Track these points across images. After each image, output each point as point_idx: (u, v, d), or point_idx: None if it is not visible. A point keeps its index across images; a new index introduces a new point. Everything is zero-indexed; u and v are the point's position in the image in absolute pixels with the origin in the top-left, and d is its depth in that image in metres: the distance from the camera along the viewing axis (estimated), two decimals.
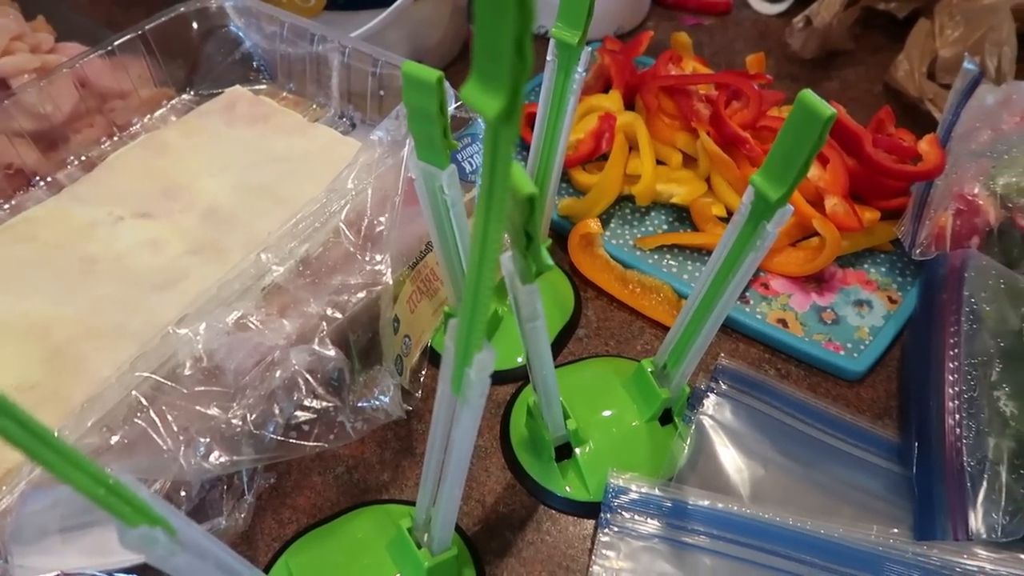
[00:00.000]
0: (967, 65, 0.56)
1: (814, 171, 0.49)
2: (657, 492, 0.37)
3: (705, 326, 0.35)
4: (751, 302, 0.47)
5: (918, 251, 0.47)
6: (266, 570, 0.35)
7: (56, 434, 0.19)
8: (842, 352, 0.45)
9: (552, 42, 0.39)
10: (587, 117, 0.55)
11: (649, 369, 0.40)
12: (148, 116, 0.54)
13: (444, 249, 0.36)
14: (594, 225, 0.48)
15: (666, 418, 0.41)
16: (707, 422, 0.41)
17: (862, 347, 0.45)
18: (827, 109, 0.27)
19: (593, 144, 0.52)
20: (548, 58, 0.39)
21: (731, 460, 0.39)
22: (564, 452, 0.39)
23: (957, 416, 0.38)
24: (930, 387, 0.40)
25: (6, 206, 0.48)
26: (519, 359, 0.44)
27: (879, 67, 0.68)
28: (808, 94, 0.28)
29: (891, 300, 0.48)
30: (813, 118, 0.27)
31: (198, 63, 0.55)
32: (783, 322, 0.46)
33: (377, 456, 0.41)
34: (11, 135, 0.46)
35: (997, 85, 0.55)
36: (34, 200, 0.47)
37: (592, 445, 0.40)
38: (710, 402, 0.42)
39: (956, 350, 0.40)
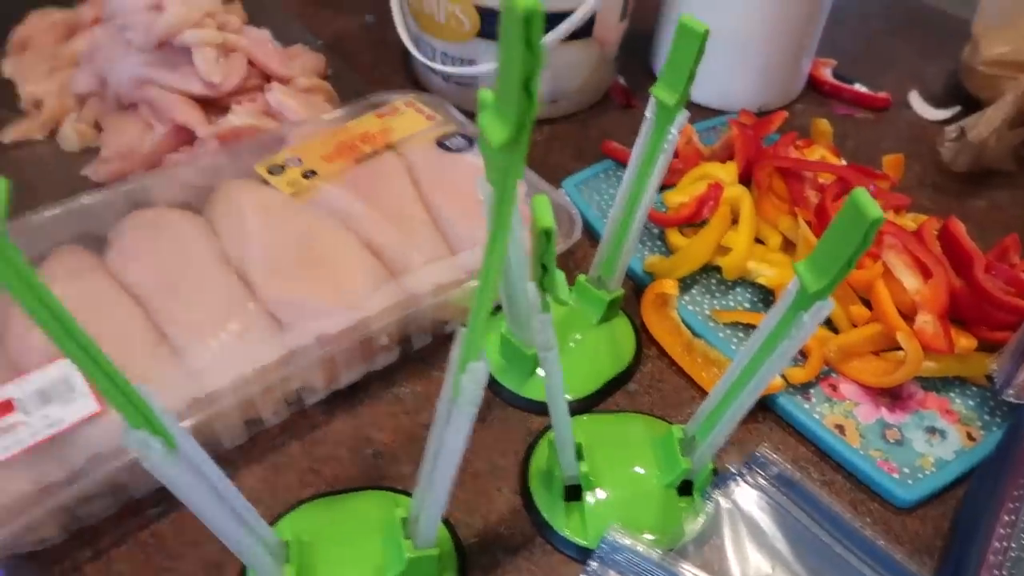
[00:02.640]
0: None
1: (914, 282, 0.46)
2: (653, 556, 0.37)
3: (733, 405, 0.35)
4: (813, 400, 0.45)
5: (1011, 392, 0.43)
6: (274, 522, 0.38)
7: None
8: (896, 475, 0.42)
9: (652, 100, 0.40)
10: (698, 183, 0.55)
11: (678, 436, 0.40)
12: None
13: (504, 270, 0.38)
14: (670, 287, 0.49)
15: (685, 489, 0.40)
16: (725, 505, 0.40)
17: (920, 475, 0.42)
18: (874, 211, 0.26)
19: (694, 208, 0.52)
20: (647, 114, 0.41)
21: (738, 551, 0.38)
22: (574, 493, 0.40)
23: (996, 573, 0.35)
24: (978, 536, 0.37)
25: (173, 157, 0.55)
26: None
27: None
28: (861, 192, 0.27)
29: (970, 437, 0.44)
30: (860, 218, 0.27)
31: (358, 68, 0.61)
32: (840, 428, 0.44)
33: (405, 449, 0.43)
34: (182, 95, 0.53)
35: None
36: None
37: (604, 494, 0.40)
38: (736, 487, 0.41)
39: (1017, 504, 0.37)
